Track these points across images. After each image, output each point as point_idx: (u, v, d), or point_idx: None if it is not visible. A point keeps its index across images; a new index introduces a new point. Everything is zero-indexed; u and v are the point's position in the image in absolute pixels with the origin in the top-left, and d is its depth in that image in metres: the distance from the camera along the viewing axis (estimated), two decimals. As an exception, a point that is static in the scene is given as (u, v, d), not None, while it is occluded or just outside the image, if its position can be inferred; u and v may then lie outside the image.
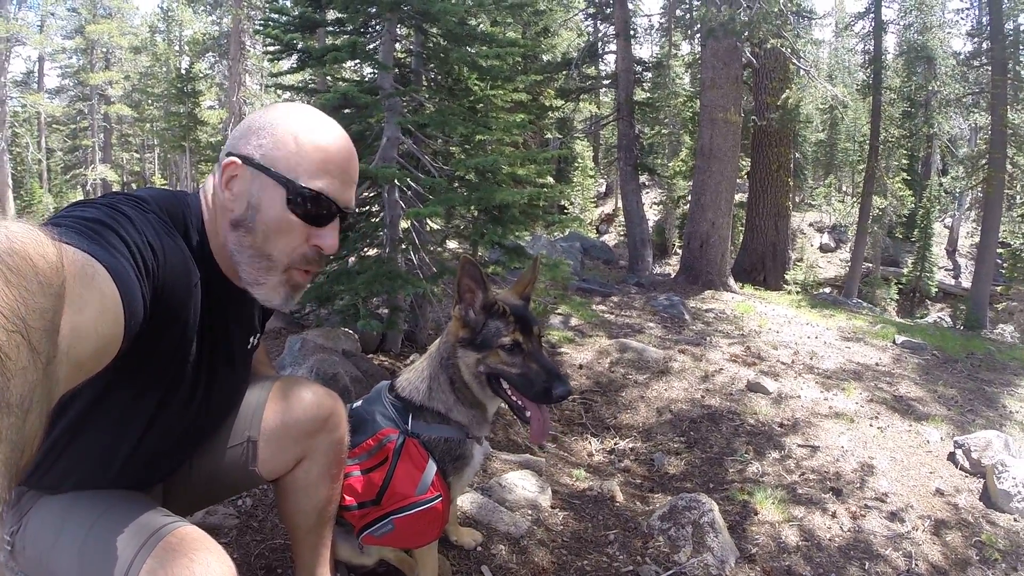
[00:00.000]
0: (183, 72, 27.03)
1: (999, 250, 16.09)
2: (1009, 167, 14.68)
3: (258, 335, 1.52)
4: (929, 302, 21.86)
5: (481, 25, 4.51)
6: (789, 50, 10.97)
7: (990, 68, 14.71)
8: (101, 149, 32.21)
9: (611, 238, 24.51)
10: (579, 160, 24.77)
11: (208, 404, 1.35)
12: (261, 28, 4.58)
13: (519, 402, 1.70)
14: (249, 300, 1.39)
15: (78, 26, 30.77)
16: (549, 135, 18.90)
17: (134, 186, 36.04)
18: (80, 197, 32.68)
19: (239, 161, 1.21)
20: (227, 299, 1.29)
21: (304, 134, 1.21)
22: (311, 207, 1.20)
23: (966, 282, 21.39)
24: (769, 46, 10.15)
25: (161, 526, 1.14)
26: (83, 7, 30.52)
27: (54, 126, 33.45)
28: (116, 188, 33.59)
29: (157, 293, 1.00)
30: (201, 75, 28.33)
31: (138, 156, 36.83)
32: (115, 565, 1.09)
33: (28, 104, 29.82)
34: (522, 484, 2.85)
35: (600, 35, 14.18)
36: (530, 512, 2.70)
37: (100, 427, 1.22)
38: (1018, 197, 17.42)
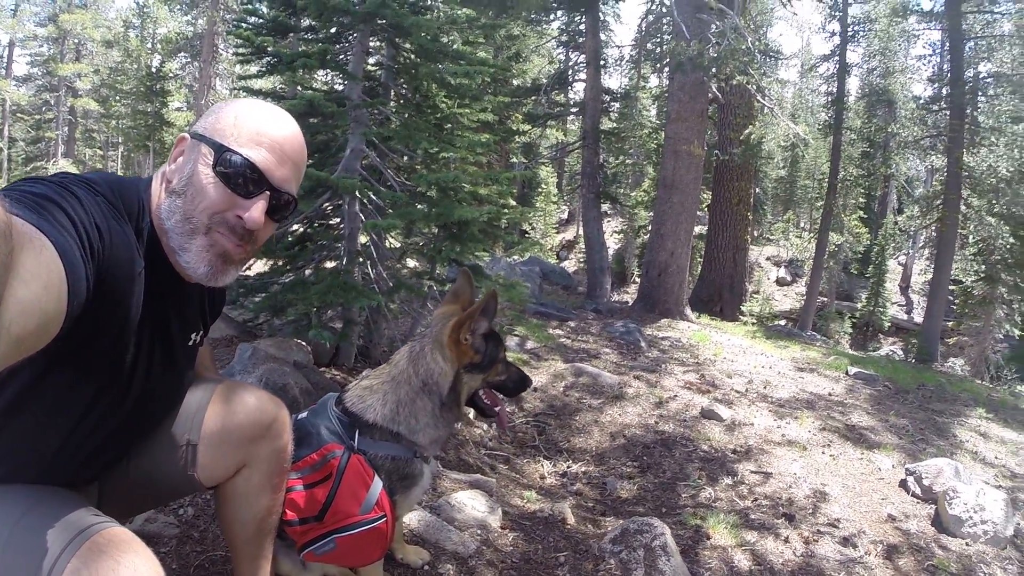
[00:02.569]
0: (153, 70, 26.52)
1: (951, 287, 16.61)
2: (963, 208, 15.25)
3: (201, 333, 1.47)
4: (882, 336, 22.43)
5: (454, 44, 4.52)
6: (754, 87, 11.26)
7: (948, 112, 15.29)
8: (64, 143, 31.40)
9: (571, 264, 24.74)
10: (543, 186, 25.02)
11: (145, 399, 1.30)
12: (233, 28, 4.52)
13: (489, 402, 1.90)
14: (194, 294, 1.37)
15: (52, 14, 30.13)
16: (515, 159, 19.03)
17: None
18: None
19: (187, 136, 1.23)
20: (171, 291, 1.27)
21: (247, 111, 1.24)
22: (236, 173, 1.19)
23: (918, 317, 21.96)
24: (735, 82, 10.42)
25: (88, 526, 1.09)
26: (60, -6, 29.98)
27: (18, 115, 32.47)
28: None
29: (100, 276, 0.98)
30: (171, 75, 27.86)
31: (101, 153, 35.87)
32: (38, 564, 1.03)
33: (-7, 90, 29.00)
34: (472, 504, 2.80)
35: (571, 63, 14.42)
36: (479, 532, 2.66)
37: (31, 415, 1.17)
38: (971, 236, 18.02)
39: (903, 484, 4.26)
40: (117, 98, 30.28)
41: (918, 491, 4.13)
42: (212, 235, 1.21)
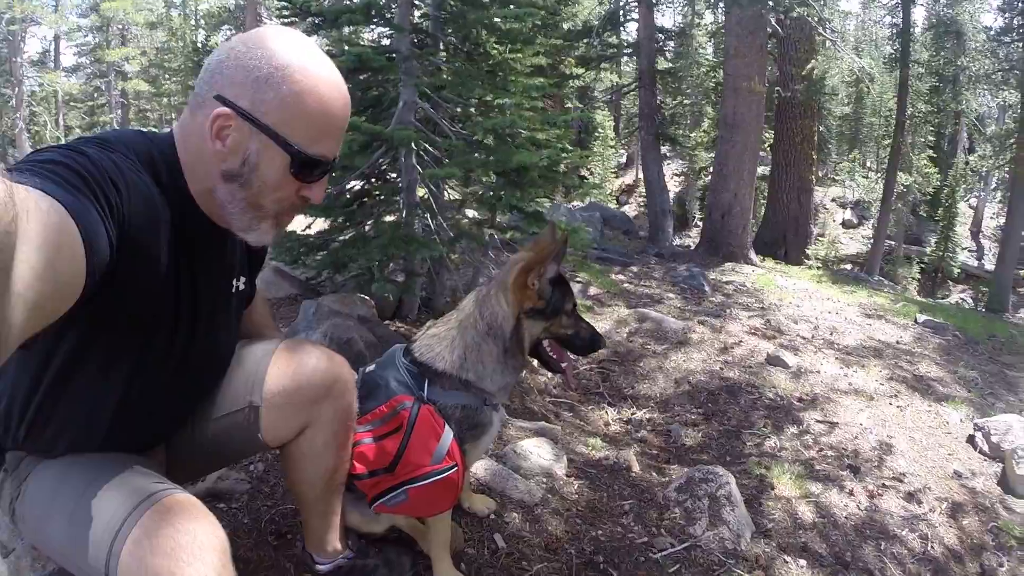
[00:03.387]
0: (199, 46, 26.93)
1: (1024, 233, 15.67)
2: (1038, 147, 14.24)
3: (245, 279, 1.46)
4: (951, 283, 21.48)
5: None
6: (815, 19, 10.70)
7: (1021, 44, 14.24)
8: (119, 125, 32.32)
9: (631, 209, 24.18)
10: (600, 130, 24.38)
11: (194, 351, 1.30)
12: (274, -9, 4.49)
13: (555, 356, 1.84)
14: (230, 241, 1.34)
15: (93, 4, 30.74)
16: (570, 104, 18.56)
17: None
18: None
19: (233, 113, 1.12)
20: (204, 238, 1.24)
21: (308, 94, 1.13)
22: (310, 169, 1.19)
23: (989, 264, 20.97)
24: (795, 15, 9.91)
25: (151, 493, 1.11)
26: (98, -15, 30.51)
27: (71, 104, 33.49)
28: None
29: (123, 231, 0.96)
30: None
31: (156, 131, 36.91)
32: (102, 533, 1.06)
33: (45, 83, 29.87)
34: (537, 452, 2.81)
35: (622, 3, 13.86)
36: (544, 480, 2.67)
37: (82, 383, 1.18)
38: (1047, 178, 16.94)
39: (971, 440, 4.16)
40: (166, 76, 30.89)
41: (986, 448, 4.03)
42: (279, 217, 1.24)
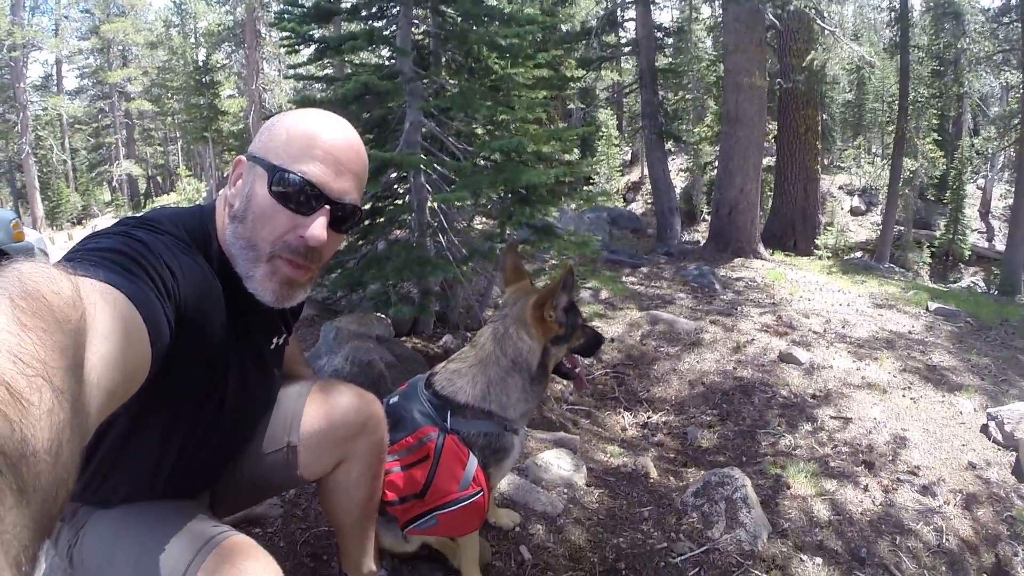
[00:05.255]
0: (200, 64, 27.20)
1: (1033, 212, 15.52)
2: (1043, 126, 14.13)
3: (284, 336, 1.52)
4: (963, 265, 21.33)
5: (498, 2, 4.46)
6: (813, 11, 10.69)
7: (1020, 24, 14.13)
8: (124, 145, 32.80)
9: (638, 206, 24.18)
10: (603, 129, 24.32)
11: (242, 407, 1.38)
12: (276, 21, 4.57)
13: (570, 366, 2.02)
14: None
15: (93, 26, 31.20)
16: (572, 105, 18.57)
17: (159, 179, 36.82)
18: (107, 194, 33.15)
19: (244, 158, 1.23)
20: (250, 306, 1.28)
21: (297, 124, 1.20)
22: (292, 191, 1.15)
23: (1000, 245, 20.79)
24: (792, 7, 9.91)
25: (211, 537, 1.19)
26: (96, 7, 30.95)
27: (76, 126, 33.90)
28: (142, 182, 34.24)
29: (180, 313, 1.01)
30: (219, 65, 28.48)
31: (161, 149, 37.36)
32: None
33: (49, 107, 30.19)
34: (557, 463, 2.88)
35: (619, 2, 13.90)
36: (566, 491, 2.74)
37: (141, 444, 1.25)
38: (1052, 156, 16.77)
39: (984, 429, 4.15)
40: (169, 95, 31.28)
41: (999, 437, 4.02)
42: (274, 262, 1.19)
